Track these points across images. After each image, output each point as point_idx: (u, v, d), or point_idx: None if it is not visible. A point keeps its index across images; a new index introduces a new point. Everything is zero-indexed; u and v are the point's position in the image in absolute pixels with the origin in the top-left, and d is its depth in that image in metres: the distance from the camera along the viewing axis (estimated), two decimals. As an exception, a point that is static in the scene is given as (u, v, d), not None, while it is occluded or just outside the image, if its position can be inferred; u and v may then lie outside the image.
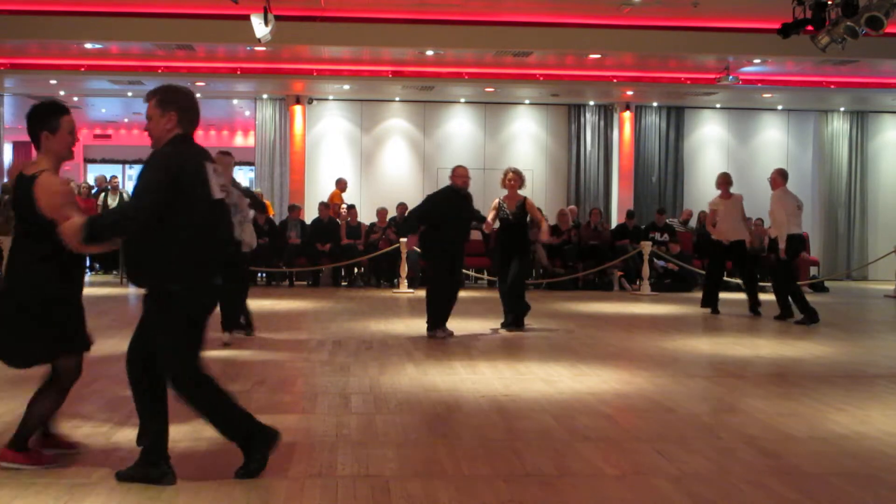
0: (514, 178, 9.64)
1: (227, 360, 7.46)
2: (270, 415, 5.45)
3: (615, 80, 16.83)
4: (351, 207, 16.21)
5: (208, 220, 4.01)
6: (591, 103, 18.63)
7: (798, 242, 10.88)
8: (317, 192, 17.55)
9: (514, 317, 9.62)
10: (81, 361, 4.38)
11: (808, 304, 10.72)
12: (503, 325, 9.64)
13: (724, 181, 11.89)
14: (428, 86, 16.84)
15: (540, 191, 18.78)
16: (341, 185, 16.99)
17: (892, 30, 10.71)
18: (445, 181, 9.58)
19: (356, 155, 18.49)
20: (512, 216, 9.56)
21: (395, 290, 14.44)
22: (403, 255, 14.32)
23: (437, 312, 9.03)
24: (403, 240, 14.09)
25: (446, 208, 9.15)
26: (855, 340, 9.54)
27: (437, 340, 8.71)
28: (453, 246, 9.13)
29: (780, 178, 11.08)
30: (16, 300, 4.14)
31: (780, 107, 19.05)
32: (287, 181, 17.83)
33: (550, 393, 6.21)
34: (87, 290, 4.52)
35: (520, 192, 9.69)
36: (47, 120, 4.31)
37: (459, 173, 9.32)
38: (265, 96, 17.93)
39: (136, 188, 4.02)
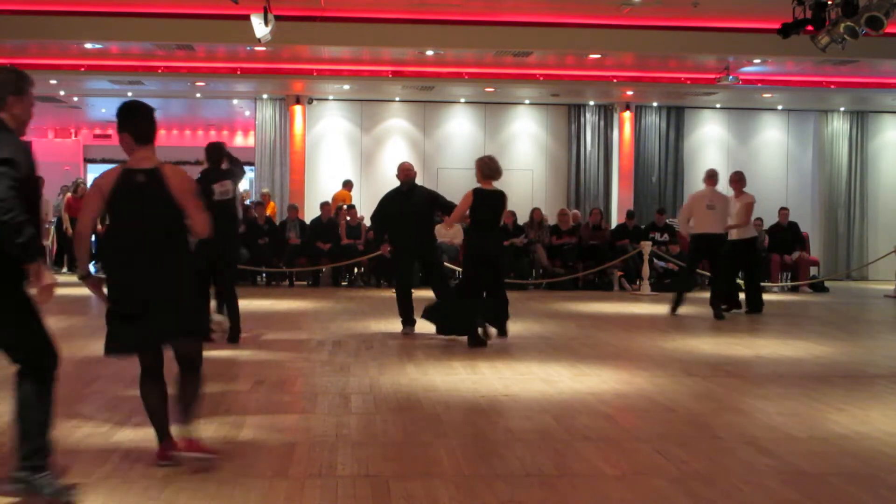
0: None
1: (227, 360, 7.46)
2: (270, 415, 5.46)
3: (615, 80, 16.83)
4: (351, 207, 16.22)
5: None
6: (591, 103, 18.63)
7: (699, 242, 11.22)
8: (317, 192, 17.55)
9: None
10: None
11: (679, 303, 11.30)
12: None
13: (738, 179, 11.82)
14: (428, 86, 16.84)
15: (540, 191, 18.80)
16: (349, 186, 17.02)
17: (892, 30, 10.71)
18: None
19: (356, 155, 18.50)
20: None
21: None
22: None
23: (406, 310, 9.21)
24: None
25: (394, 205, 9.14)
26: (855, 340, 9.54)
27: (437, 340, 8.67)
28: (410, 242, 9.07)
29: (707, 178, 11.49)
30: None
31: (780, 107, 19.06)
32: (287, 181, 17.84)
33: (550, 393, 6.21)
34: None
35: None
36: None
37: (400, 168, 9.29)
38: (265, 96, 17.93)
39: None
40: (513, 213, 15.96)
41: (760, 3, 12.45)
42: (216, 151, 8.36)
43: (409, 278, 9.37)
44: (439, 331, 8.64)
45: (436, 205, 9.27)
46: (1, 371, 6.71)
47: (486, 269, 8.48)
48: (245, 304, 8.90)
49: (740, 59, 14.89)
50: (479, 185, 8.44)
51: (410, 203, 9.12)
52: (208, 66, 15.90)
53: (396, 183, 9.41)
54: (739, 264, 11.90)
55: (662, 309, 12.30)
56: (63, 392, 6.02)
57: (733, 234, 11.62)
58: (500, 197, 8.54)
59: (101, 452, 4.53)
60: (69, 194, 16.98)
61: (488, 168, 8.50)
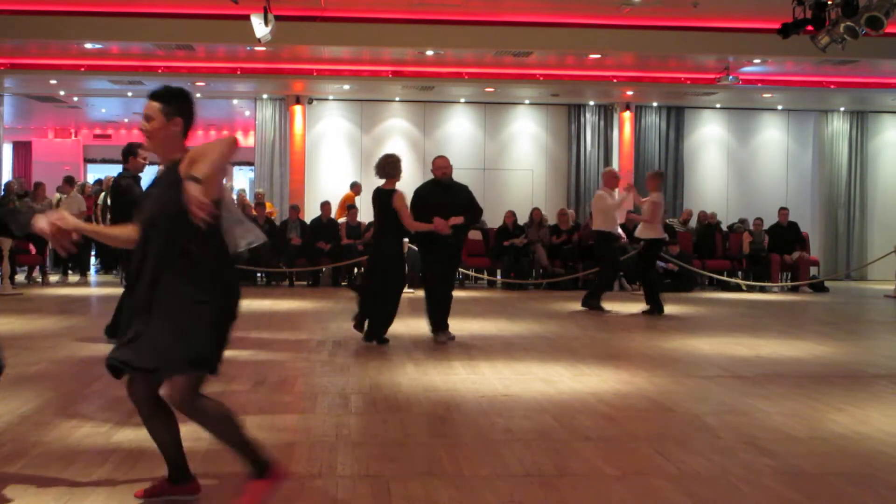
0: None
1: (227, 360, 7.44)
2: (270, 415, 5.46)
3: (615, 80, 16.83)
4: (351, 208, 16.22)
5: None
6: (591, 103, 18.63)
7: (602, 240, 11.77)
8: (317, 192, 17.56)
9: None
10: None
11: (599, 302, 11.65)
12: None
13: (649, 178, 12.02)
14: (428, 86, 16.84)
15: (540, 191, 18.79)
16: (357, 188, 16.98)
17: (892, 30, 10.72)
18: None
19: (356, 155, 18.50)
20: None
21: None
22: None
23: (436, 313, 8.66)
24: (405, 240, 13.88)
25: (427, 201, 8.59)
26: (855, 340, 9.54)
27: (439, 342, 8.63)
28: (439, 241, 8.47)
29: (602, 178, 12.10)
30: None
31: (780, 107, 19.06)
32: (287, 181, 17.85)
33: (550, 393, 6.21)
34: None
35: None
36: None
37: (437, 164, 8.75)
38: (265, 96, 17.94)
39: None
40: (513, 213, 15.98)
41: (760, 3, 12.46)
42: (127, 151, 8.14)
43: (448, 282, 8.80)
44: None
45: (467, 211, 8.63)
46: (1, 371, 6.73)
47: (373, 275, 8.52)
48: (245, 304, 8.86)
49: (740, 59, 14.89)
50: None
51: (453, 202, 8.52)
52: (208, 66, 15.91)
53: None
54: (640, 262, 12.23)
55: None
56: (63, 392, 6.05)
57: (638, 232, 11.87)
58: (385, 195, 8.41)
59: (101, 452, 4.52)
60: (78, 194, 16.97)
61: (377, 166, 8.58)
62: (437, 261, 8.67)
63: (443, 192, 8.64)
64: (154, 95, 3.71)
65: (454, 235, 8.52)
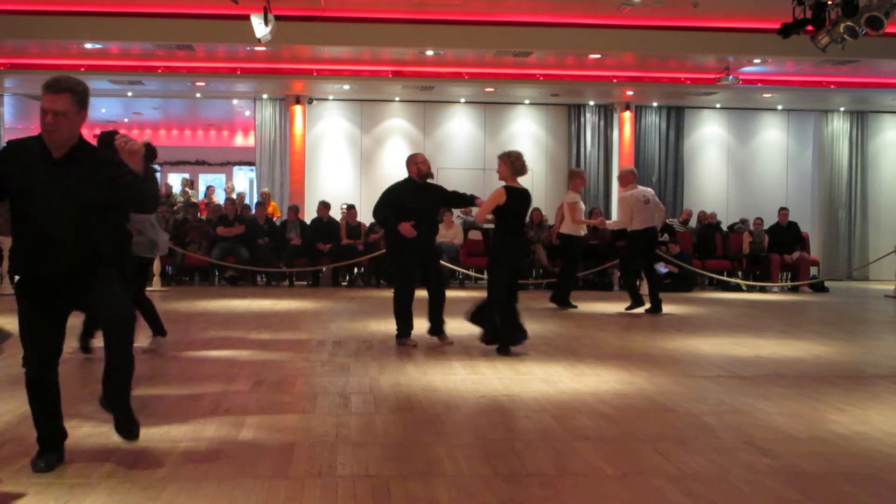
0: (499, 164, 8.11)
1: (227, 360, 7.46)
2: (270, 415, 5.45)
3: (615, 80, 16.84)
4: (351, 207, 16.21)
5: None
6: (591, 103, 18.64)
7: (638, 237, 11.68)
8: (317, 192, 17.57)
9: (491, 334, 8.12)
10: None
11: (637, 293, 11.65)
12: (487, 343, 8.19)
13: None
14: (428, 86, 16.85)
15: (540, 191, 18.79)
16: None
17: (892, 30, 10.73)
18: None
19: (356, 155, 18.50)
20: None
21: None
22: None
23: (408, 318, 8.39)
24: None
25: (403, 200, 8.29)
26: (855, 340, 9.53)
27: (441, 343, 8.61)
28: (418, 243, 8.27)
29: (628, 175, 12.10)
30: None
31: (780, 107, 19.07)
32: (287, 181, 17.86)
33: (550, 393, 6.21)
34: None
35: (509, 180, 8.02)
36: None
37: (420, 159, 8.42)
38: (265, 96, 17.94)
39: None
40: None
41: (760, 3, 12.47)
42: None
43: (413, 282, 8.58)
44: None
45: (446, 200, 8.66)
46: (1, 371, 6.73)
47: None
48: (245, 304, 8.89)
49: (740, 59, 14.90)
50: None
51: (430, 200, 8.41)
52: (208, 66, 15.92)
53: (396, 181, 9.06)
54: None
55: (662, 309, 12.30)
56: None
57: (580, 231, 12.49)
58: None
59: (101, 452, 4.52)
60: None
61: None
62: (407, 261, 8.46)
63: (419, 190, 8.36)
64: None
65: (425, 233, 8.30)
